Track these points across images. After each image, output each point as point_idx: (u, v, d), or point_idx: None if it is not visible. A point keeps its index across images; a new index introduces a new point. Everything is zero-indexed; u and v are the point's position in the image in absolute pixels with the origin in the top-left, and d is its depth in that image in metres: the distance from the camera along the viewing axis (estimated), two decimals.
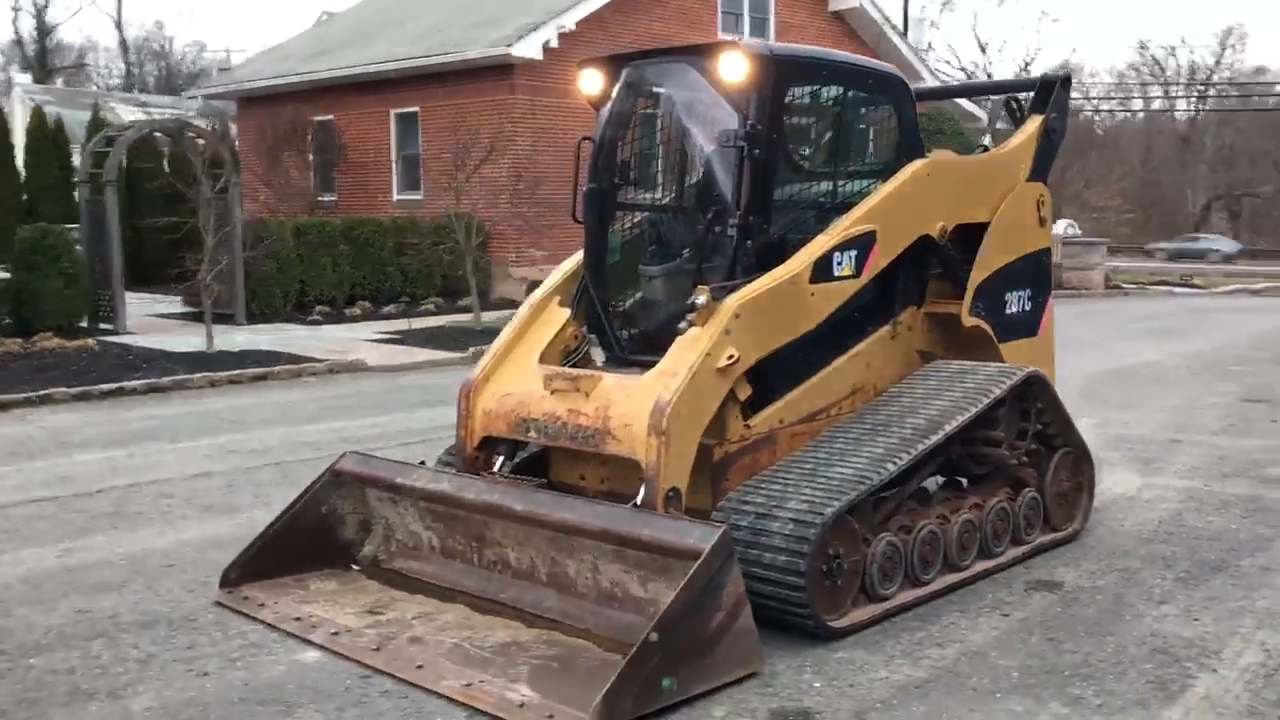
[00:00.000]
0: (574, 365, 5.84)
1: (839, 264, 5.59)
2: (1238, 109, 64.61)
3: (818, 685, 4.49)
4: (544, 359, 5.77)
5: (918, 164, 5.99)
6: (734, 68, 5.32)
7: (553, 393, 5.45)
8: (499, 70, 20.33)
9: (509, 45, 19.65)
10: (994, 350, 6.51)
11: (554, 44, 20.22)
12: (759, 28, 24.72)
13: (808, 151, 6.08)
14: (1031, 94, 7.02)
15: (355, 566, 5.87)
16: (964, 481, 6.10)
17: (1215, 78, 67.19)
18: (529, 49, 19.84)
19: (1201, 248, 51.96)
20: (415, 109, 22.05)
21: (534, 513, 5.02)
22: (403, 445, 8.92)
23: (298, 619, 5.14)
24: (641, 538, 4.63)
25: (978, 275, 6.35)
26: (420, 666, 4.58)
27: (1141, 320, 19.98)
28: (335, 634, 4.96)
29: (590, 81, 5.96)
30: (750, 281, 5.33)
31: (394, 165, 22.69)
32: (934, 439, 5.38)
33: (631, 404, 5.16)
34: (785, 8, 25.04)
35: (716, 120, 5.51)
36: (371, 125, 22.91)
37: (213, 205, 14.01)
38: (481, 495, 5.23)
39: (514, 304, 19.67)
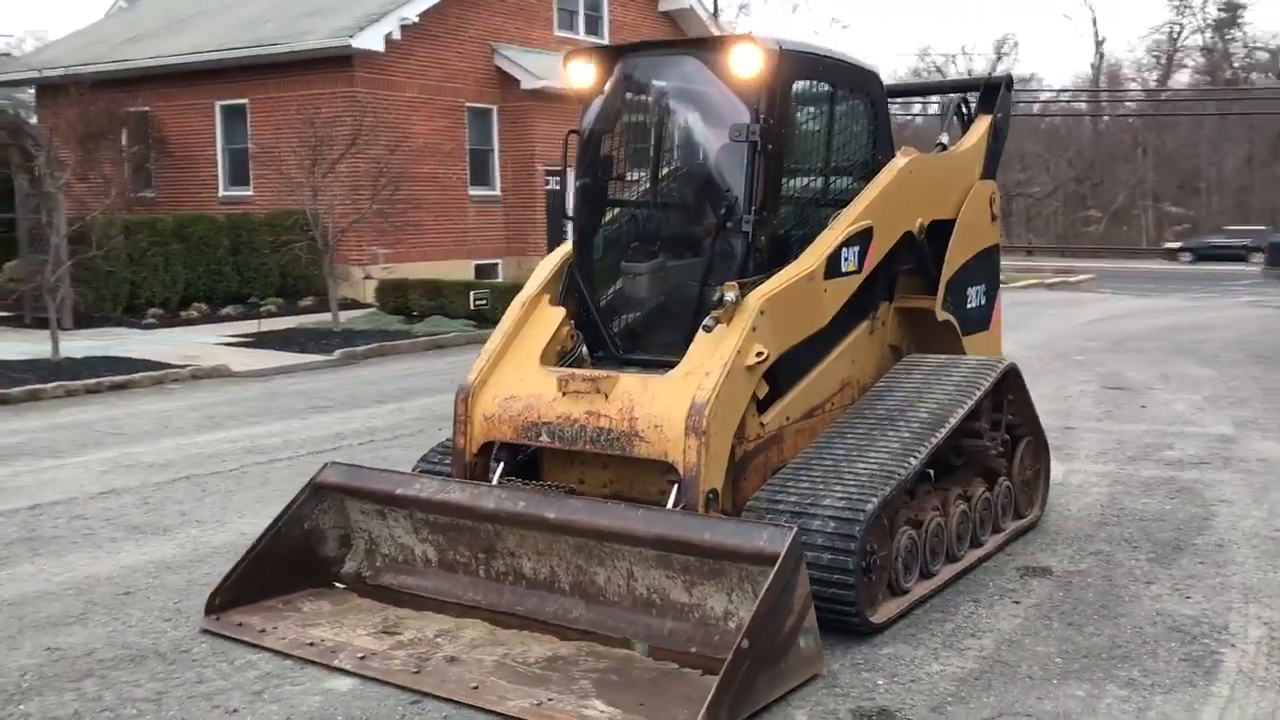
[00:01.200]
0: (570, 365, 5.65)
1: (846, 259, 5.62)
2: (1011, 114, 68.83)
3: (881, 683, 4.48)
4: (542, 360, 5.56)
5: (903, 160, 6.08)
6: (748, 61, 5.25)
7: (565, 395, 5.25)
8: (337, 62, 19.62)
9: (350, 36, 18.99)
10: (958, 344, 6.67)
11: (396, 36, 19.67)
12: (593, 26, 24.72)
13: (803, 147, 6.04)
14: (976, 94, 7.24)
15: (339, 584, 5.52)
16: (931, 473, 6.20)
17: None
18: (371, 40, 19.23)
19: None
20: (243, 101, 21.02)
21: (570, 520, 4.81)
22: (315, 454, 8.48)
23: (310, 644, 4.78)
24: (703, 542, 4.50)
25: (948, 271, 6.49)
26: (476, 688, 4.33)
27: None
28: (362, 658, 4.63)
29: (580, 73, 5.77)
30: (766, 278, 5.29)
31: (220, 160, 21.57)
32: (944, 432, 5.46)
33: (659, 405, 5.03)
34: (619, 6, 25.12)
35: (724, 115, 5.43)
36: (194, 117, 21.71)
37: (57, 201, 12.94)
38: (504, 504, 4.98)
39: (360, 305, 19.06)
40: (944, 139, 6.85)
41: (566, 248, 6.03)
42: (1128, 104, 71.41)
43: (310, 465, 8.15)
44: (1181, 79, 71.51)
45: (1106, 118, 71.70)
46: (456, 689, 4.34)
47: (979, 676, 4.54)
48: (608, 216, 5.91)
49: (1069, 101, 72.93)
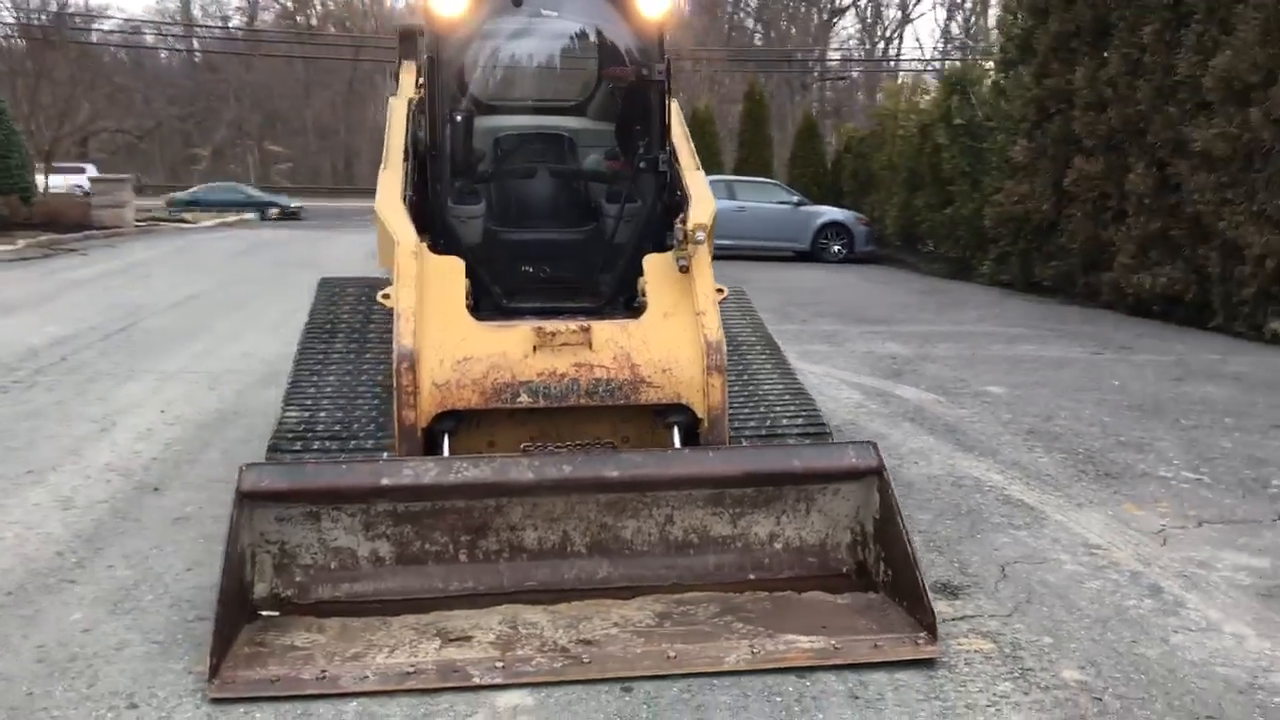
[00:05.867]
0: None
1: None
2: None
3: None
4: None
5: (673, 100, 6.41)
6: (659, 1, 5.23)
7: (542, 349, 4.84)
8: None
9: None
10: None
11: None
12: None
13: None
14: None
15: (266, 612, 4.46)
16: None
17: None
18: None
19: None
20: None
21: (639, 475, 4.55)
22: None
23: (407, 673, 3.94)
24: (793, 470, 4.67)
25: None
26: (673, 657, 4.05)
27: (244, 252, 20.43)
28: (502, 666, 3.99)
29: None
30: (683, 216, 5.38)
31: None
32: (780, 351, 6.09)
33: (658, 349, 4.93)
34: None
35: (621, 52, 5.33)
36: None
37: None
38: (546, 473, 4.49)
39: None
40: None
41: (397, 184, 5.36)
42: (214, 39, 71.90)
43: None
44: (267, 19, 73.85)
45: (199, 54, 71.65)
46: (655, 664, 4.02)
47: (964, 538, 5.43)
48: (486, 155, 5.38)
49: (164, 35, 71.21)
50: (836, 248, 23.47)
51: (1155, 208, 14.03)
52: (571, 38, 5.68)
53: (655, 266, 5.18)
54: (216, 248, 22.54)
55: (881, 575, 4.64)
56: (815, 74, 59.98)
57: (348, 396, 5.25)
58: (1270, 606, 4.70)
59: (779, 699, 3.84)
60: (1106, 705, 3.82)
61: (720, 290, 5.25)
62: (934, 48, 60.96)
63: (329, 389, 5.32)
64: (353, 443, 4.96)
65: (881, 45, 64.10)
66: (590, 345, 4.89)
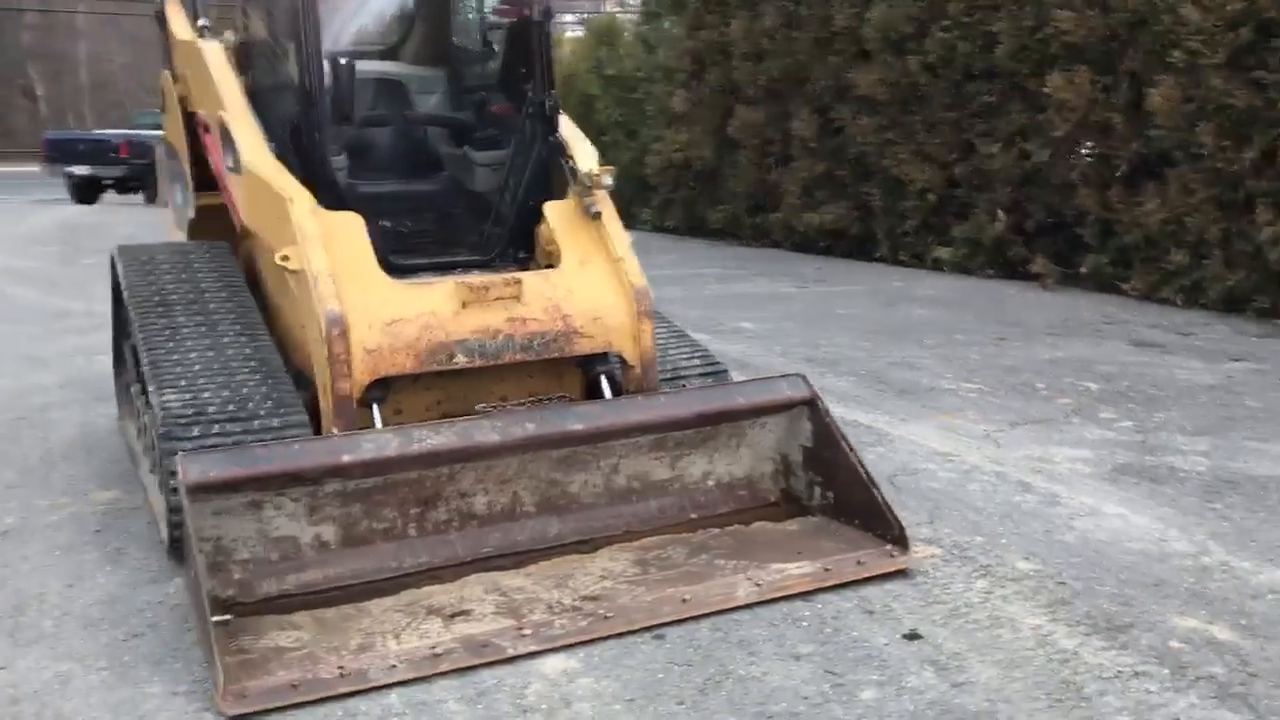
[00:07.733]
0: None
1: None
2: None
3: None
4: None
5: None
6: None
7: (472, 305, 4.59)
8: None
9: None
10: None
11: None
12: None
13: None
14: None
15: (221, 616, 3.99)
16: None
17: None
18: None
19: None
20: None
21: (600, 427, 4.45)
22: None
23: (432, 656, 3.67)
24: (738, 407, 4.75)
25: None
26: (686, 600, 4.04)
27: None
28: (527, 634, 3.81)
29: None
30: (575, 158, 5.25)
31: None
32: None
33: (584, 298, 4.83)
34: None
35: None
36: None
37: None
38: (511, 433, 4.29)
39: None
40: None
41: (259, 136, 4.88)
42: None
43: None
44: None
45: None
46: (675, 609, 3.98)
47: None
48: (363, 100, 4.95)
49: None
50: None
51: (819, 150, 15.15)
52: None
53: (559, 214, 5.05)
54: None
55: (818, 499, 4.85)
56: None
57: (224, 374, 4.75)
58: (1121, 487, 5.37)
59: (805, 624, 3.95)
60: (1072, 587, 4.24)
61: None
62: None
63: (198, 366, 4.79)
64: (256, 422, 4.51)
65: None
66: (520, 298, 4.72)
